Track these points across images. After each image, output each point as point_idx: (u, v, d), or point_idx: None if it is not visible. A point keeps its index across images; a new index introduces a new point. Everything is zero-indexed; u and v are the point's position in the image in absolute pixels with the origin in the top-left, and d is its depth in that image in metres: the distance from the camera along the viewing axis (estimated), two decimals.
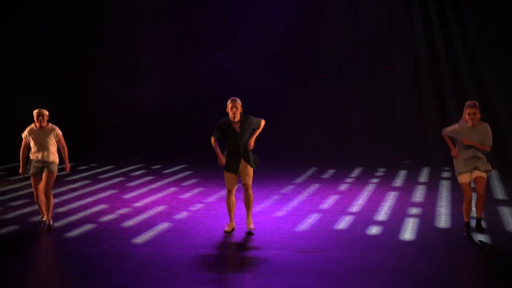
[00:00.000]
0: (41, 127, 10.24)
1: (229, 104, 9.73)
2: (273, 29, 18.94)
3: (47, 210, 10.26)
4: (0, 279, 7.83)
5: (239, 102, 9.73)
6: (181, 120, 19.18)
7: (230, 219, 10.03)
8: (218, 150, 9.81)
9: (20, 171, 10.43)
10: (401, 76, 18.63)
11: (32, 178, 10.32)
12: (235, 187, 9.88)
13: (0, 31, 19.31)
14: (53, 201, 10.35)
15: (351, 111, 18.79)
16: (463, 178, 9.46)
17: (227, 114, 9.81)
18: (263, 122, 9.98)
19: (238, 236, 9.82)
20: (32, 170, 10.27)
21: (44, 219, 10.39)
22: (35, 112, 10.23)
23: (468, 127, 9.45)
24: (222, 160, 9.77)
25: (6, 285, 7.65)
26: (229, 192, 9.89)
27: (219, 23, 19.25)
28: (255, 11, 19.11)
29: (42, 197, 10.29)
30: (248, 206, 9.94)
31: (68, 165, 10.46)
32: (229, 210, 9.98)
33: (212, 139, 9.83)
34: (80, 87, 19.44)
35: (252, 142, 9.85)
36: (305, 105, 18.88)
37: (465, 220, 9.63)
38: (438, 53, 18.34)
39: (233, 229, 10.04)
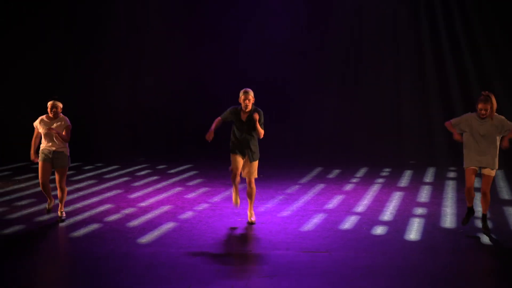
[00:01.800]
0: (52, 118, 10.31)
1: (241, 96, 9.96)
2: (278, 29, 18.93)
3: (60, 202, 10.57)
4: (5, 279, 7.84)
5: (251, 93, 9.97)
6: (185, 119, 19.20)
7: (235, 193, 10.33)
8: (213, 127, 10.05)
9: (31, 157, 10.51)
10: (406, 76, 18.60)
11: (40, 164, 10.42)
12: (240, 170, 10.16)
13: (6, 33, 19.34)
14: (66, 193, 10.65)
15: (356, 111, 18.77)
16: (469, 165, 9.49)
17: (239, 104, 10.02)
18: (262, 132, 10.07)
19: (243, 236, 9.83)
20: (41, 156, 10.42)
21: (51, 206, 10.59)
22: (49, 103, 10.34)
23: (480, 119, 9.43)
24: (209, 135, 9.98)
25: (12, 284, 7.66)
26: (234, 174, 10.19)
27: (223, 23, 19.26)
28: (259, 11, 19.09)
29: (48, 185, 10.47)
30: (250, 197, 10.28)
31: (55, 130, 10.28)
32: (234, 184, 10.27)
33: (218, 118, 10.12)
34: (84, 88, 19.45)
35: (256, 116, 9.96)
36: (310, 105, 18.87)
37: (468, 204, 9.66)
38: (444, 52, 18.31)
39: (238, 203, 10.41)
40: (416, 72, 18.52)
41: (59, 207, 10.63)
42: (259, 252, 8.99)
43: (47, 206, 10.64)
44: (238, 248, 9.37)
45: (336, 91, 18.95)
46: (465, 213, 9.78)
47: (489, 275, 8.19)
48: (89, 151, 17.72)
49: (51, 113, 10.34)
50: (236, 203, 10.44)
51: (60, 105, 10.38)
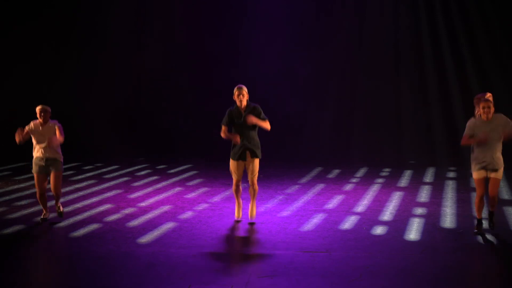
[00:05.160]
0: (43, 123, 10.27)
1: (235, 92, 10.01)
2: (278, 31, 18.93)
3: (56, 201, 10.52)
4: (5, 279, 7.84)
5: (245, 89, 10.04)
6: (185, 120, 19.21)
7: (238, 206, 10.43)
8: (229, 133, 10.11)
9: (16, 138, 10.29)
10: (406, 76, 18.60)
11: (35, 176, 10.38)
12: (241, 177, 10.24)
13: (8, 34, 19.36)
14: (61, 196, 10.64)
15: (356, 111, 18.77)
16: (478, 174, 9.51)
17: (234, 103, 10.03)
18: (268, 123, 10.10)
19: (243, 236, 9.83)
20: (35, 168, 10.33)
21: (46, 216, 10.55)
22: (38, 108, 10.29)
23: (483, 121, 9.42)
24: (237, 138, 9.99)
25: (11, 284, 7.66)
26: (236, 183, 10.28)
27: (223, 24, 19.26)
28: (259, 12, 19.10)
29: (45, 195, 10.45)
30: (252, 195, 10.37)
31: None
32: (236, 197, 10.39)
33: (222, 127, 10.13)
34: (84, 88, 19.45)
35: (253, 119, 9.89)
36: (310, 104, 18.87)
37: (477, 216, 9.66)
38: (444, 52, 18.31)
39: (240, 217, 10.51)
40: (416, 72, 18.52)
41: (56, 205, 10.56)
42: (259, 252, 8.99)
43: (42, 216, 10.59)
44: (238, 248, 9.37)
45: (336, 91, 18.95)
46: (475, 225, 9.76)
47: (489, 275, 8.18)
48: (89, 151, 17.70)
49: (40, 118, 10.30)
50: (238, 216, 10.51)
51: (49, 109, 10.33)
